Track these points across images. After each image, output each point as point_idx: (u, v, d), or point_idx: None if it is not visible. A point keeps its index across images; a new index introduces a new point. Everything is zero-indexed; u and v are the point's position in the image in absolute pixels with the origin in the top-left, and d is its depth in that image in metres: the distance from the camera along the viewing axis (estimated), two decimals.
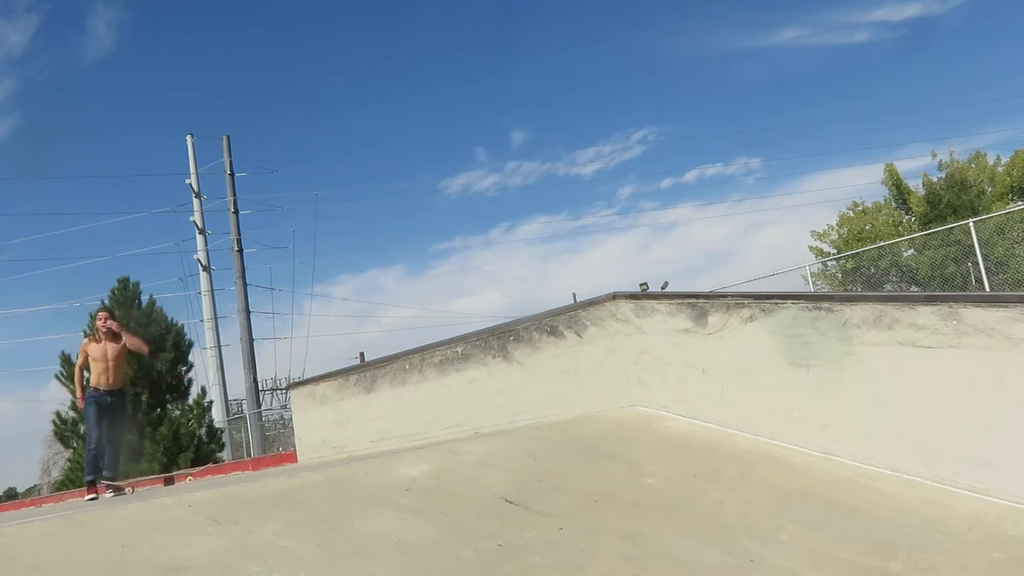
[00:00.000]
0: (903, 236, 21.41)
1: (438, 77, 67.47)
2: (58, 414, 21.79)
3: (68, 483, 21.07)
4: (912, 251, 18.22)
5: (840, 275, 20.15)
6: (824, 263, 22.17)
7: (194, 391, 22.65)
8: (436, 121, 67.04)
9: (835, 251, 24.17)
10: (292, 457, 10.91)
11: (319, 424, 7.58)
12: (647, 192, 68.34)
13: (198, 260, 27.58)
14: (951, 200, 22.73)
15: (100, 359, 7.37)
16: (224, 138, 28.30)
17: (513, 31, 68.69)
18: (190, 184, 27.92)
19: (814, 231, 26.39)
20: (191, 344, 23.46)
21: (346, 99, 65.66)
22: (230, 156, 27.94)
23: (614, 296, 5.01)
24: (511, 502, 3.19)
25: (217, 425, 23.46)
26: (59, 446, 25.24)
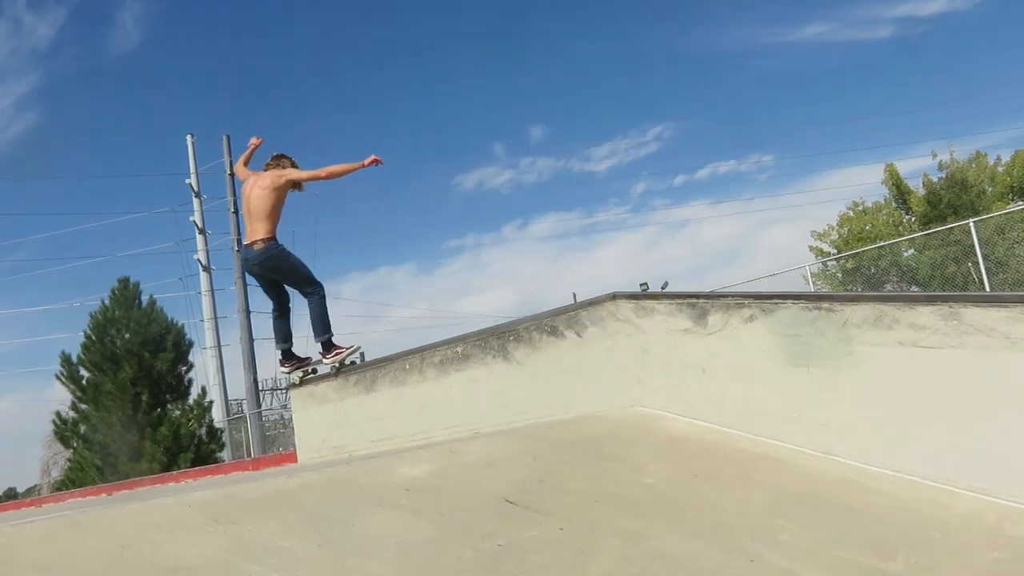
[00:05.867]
0: (903, 236, 21.41)
1: (460, 73, 67.15)
2: (58, 414, 21.80)
3: (68, 483, 21.06)
4: (912, 251, 18.24)
5: (840, 275, 20.16)
6: (824, 263, 22.18)
7: (194, 391, 22.67)
8: (455, 118, 66.72)
9: (835, 251, 24.17)
10: (292, 457, 10.89)
11: (319, 424, 7.57)
12: (660, 189, 68.08)
13: (198, 260, 27.62)
14: (951, 200, 22.74)
15: None
16: (224, 138, 28.33)
17: (534, 26, 68.33)
18: (190, 184, 27.95)
19: (814, 231, 26.42)
20: (191, 344, 23.49)
21: (355, 98, 65.48)
22: (230, 156, 27.95)
23: (614, 296, 5.01)
24: (511, 502, 3.19)
25: (217, 425, 23.48)
26: (59, 446, 25.26)
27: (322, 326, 6.07)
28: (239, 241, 27.20)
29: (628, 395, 4.82)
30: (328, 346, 5.99)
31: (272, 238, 5.92)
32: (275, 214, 5.93)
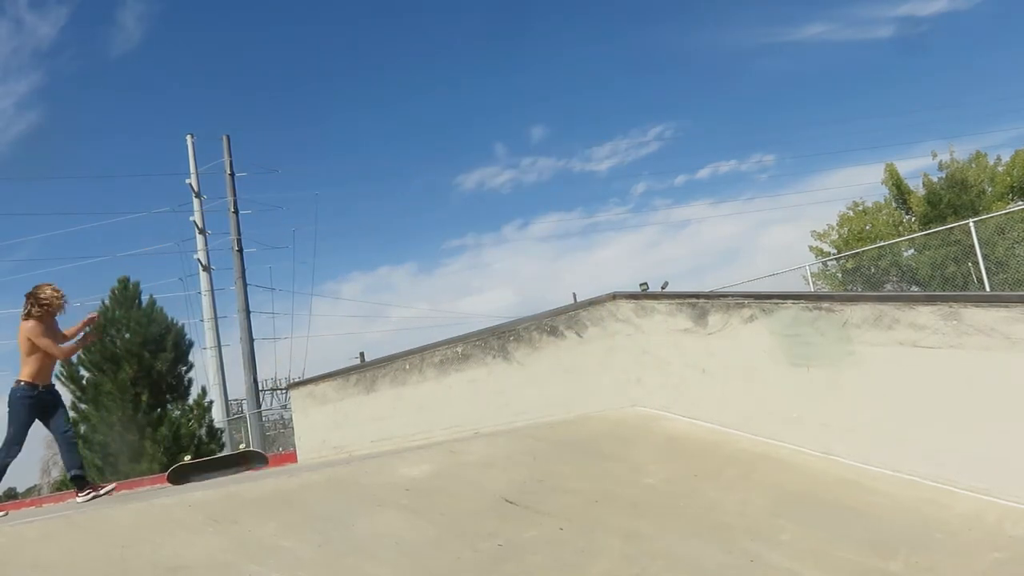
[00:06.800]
0: (903, 236, 21.40)
1: (460, 73, 66.88)
2: None
3: (68, 483, 21.06)
4: (912, 251, 18.22)
5: (840, 275, 20.14)
6: (824, 263, 22.16)
7: (194, 391, 22.67)
8: (455, 118, 66.51)
9: (835, 251, 24.16)
10: (292, 457, 10.90)
11: (319, 424, 7.58)
12: (660, 189, 67.81)
13: (198, 260, 27.58)
14: (951, 200, 22.72)
15: None
16: (224, 138, 28.32)
17: (534, 26, 68.11)
18: (190, 184, 27.92)
19: (814, 231, 26.41)
20: (191, 344, 23.49)
21: (356, 98, 65.26)
22: (230, 156, 27.97)
23: (614, 296, 5.01)
24: (511, 502, 3.19)
25: (217, 425, 23.47)
26: None
27: None
28: (239, 241, 27.22)
29: (628, 395, 4.82)
30: None
31: (26, 382, 6.04)
32: (29, 361, 6.00)
